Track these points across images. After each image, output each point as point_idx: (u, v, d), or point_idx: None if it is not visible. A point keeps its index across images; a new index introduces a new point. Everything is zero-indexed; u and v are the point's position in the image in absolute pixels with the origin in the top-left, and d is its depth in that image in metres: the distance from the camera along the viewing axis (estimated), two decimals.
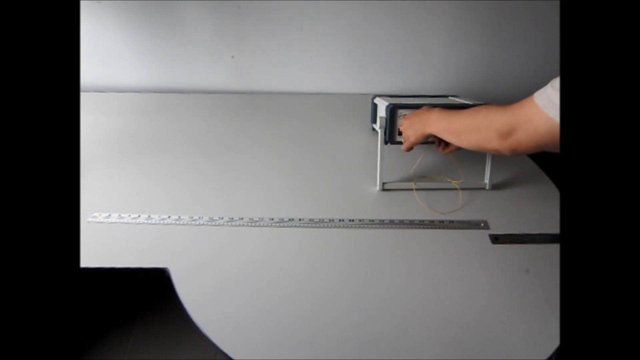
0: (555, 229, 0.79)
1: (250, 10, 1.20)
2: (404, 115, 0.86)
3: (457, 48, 1.25)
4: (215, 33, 1.24)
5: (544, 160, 1.00)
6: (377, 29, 1.23)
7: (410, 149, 0.82)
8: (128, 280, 1.38)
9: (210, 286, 0.68)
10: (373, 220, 0.81)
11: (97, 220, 0.81)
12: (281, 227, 0.80)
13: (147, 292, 1.35)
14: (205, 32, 1.24)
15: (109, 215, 0.82)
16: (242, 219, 0.81)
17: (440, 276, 0.70)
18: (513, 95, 1.32)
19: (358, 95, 1.32)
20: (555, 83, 0.49)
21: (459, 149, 0.76)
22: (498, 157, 0.89)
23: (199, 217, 0.81)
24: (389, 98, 0.99)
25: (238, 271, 0.71)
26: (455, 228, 0.79)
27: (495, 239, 0.77)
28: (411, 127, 0.79)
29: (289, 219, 0.82)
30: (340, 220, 0.81)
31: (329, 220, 0.81)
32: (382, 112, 0.91)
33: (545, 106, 0.49)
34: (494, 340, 0.60)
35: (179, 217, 0.82)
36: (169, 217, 0.82)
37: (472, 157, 0.98)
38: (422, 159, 0.98)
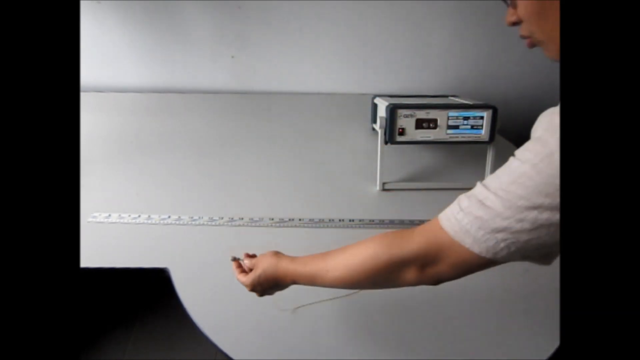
0: None
1: (250, 10, 1.20)
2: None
3: (457, 48, 1.25)
4: (215, 33, 1.24)
5: None
6: (377, 29, 1.23)
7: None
8: (128, 280, 1.38)
9: (210, 286, 0.68)
10: (373, 220, 0.81)
11: (97, 220, 0.81)
12: (281, 227, 0.80)
13: (147, 292, 1.35)
14: (205, 32, 1.24)
15: (109, 215, 0.82)
16: (242, 219, 0.81)
17: None
18: (513, 95, 1.33)
19: (358, 95, 1.32)
20: (463, 202, 0.40)
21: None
22: (498, 157, 0.89)
23: (199, 217, 0.81)
24: (389, 98, 0.99)
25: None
26: None
27: None
28: (271, 291, 0.57)
29: (289, 219, 0.81)
30: (340, 220, 0.81)
31: (329, 220, 0.81)
32: (382, 112, 0.91)
33: (460, 237, 0.39)
34: (494, 340, 0.60)
35: (179, 217, 0.81)
36: (169, 217, 0.81)
37: (472, 157, 0.98)
38: (421, 162, 0.98)
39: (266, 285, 0.55)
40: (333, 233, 0.79)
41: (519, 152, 0.37)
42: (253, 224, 0.80)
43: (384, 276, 0.46)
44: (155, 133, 1.11)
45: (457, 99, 1.01)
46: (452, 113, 0.85)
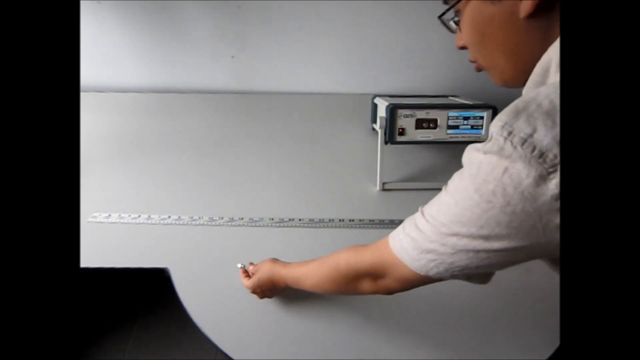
0: None
1: (250, 10, 1.20)
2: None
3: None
4: (215, 33, 1.24)
5: None
6: (377, 29, 1.23)
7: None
8: (128, 280, 1.38)
9: (210, 286, 0.68)
10: (373, 220, 0.81)
11: (97, 220, 0.81)
12: (281, 227, 0.80)
13: (147, 292, 1.35)
14: (205, 32, 1.24)
15: (109, 215, 0.82)
16: (242, 219, 0.81)
17: None
18: (513, 95, 1.32)
19: (358, 95, 1.32)
20: (406, 224, 0.43)
21: None
22: None
23: (199, 217, 0.81)
24: (389, 98, 0.99)
25: (238, 271, 0.70)
26: None
27: None
28: (270, 293, 0.65)
29: (289, 219, 0.81)
30: (340, 220, 0.81)
31: (329, 220, 0.81)
32: (382, 112, 0.91)
33: (400, 255, 0.43)
34: (494, 340, 0.60)
35: (179, 217, 0.82)
36: (169, 217, 0.82)
37: None
38: (422, 159, 0.98)
39: (265, 288, 0.62)
40: (333, 233, 0.79)
41: (450, 181, 0.40)
42: (253, 224, 0.80)
43: (344, 285, 0.53)
44: (155, 133, 1.11)
45: (457, 99, 1.01)
46: (452, 113, 0.85)
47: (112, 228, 0.79)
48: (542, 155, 0.31)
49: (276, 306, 0.65)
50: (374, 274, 0.48)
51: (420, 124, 0.86)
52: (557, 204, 0.32)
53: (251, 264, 0.67)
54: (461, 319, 0.63)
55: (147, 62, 1.29)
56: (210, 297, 0.66)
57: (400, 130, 0.86)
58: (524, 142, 0.32)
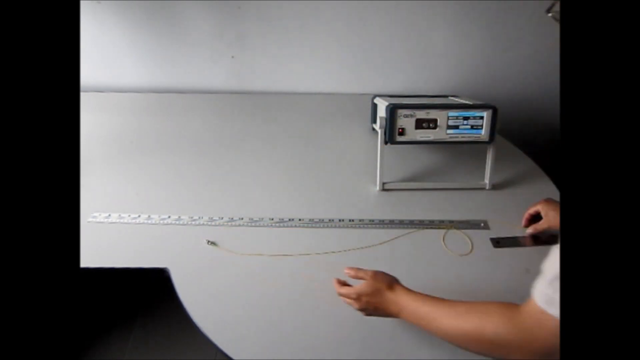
0: None
1: (250, 10, 1.20)
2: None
3: (457, 48, 1.25)
4: (215, 33, 1.24)
5: (544, 160, 1.00)
6: (377, 28, 1.23)
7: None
8: (128, 280, 1.37)
9: (210, 286, 0.68)
10: (373, 220, 0.81)
11: (97, 220, 0.81)
12: (281, 227, 0.80)
13: (147, 292, 1.35)
14: (205, 32, 1.24)
15: (109, 215, 0.82)
16: (242, 219, 0.81)
17: (439, 276, 0.70)
18: (513, 95, 1.32)
19: (358, 95, 1.31)
20: (550, 277, 0.42)
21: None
22: (498, 157, 0.89)
23: (199, 217, 0.81)
24: (389, 98, 0.99)
25: (238, 271, 0.71)
26: (455, 228, 0.79)
27: (497, 242, 0.76)
28: (374, 311, 0.58)
29: (289, 219, 0.81)
30: (340, 220, 0.81)
31: (329, 220, 0.81)
32: (382, 112, 0.91)
33: (549, 308, 0.41)
34: None
35: (179, 217, 0.82)
36: (169, 217, 0.81)
37: (472, 157, 0.98)
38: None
39: (372, 301, 0.56)
40: (333, 233, 0.79)
41: None
42: (253, 224, 0.80)
43: (487, 350, 0.49)
44: (155, 133, 1.11)
45: (457, 99, 1.01)
46: (452, 113, 0.85)
47: (112, 228, 0.79)
48: None
49: (276, 306, 0.65)
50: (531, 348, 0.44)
51: (420, 124, 0.86)
52: None
53: (358, 269, 0.60)
54: None
55: (147, 62, 1.29)
56: (210, 297, 0.66)
57: (400, 130, 0.86)
58: None
